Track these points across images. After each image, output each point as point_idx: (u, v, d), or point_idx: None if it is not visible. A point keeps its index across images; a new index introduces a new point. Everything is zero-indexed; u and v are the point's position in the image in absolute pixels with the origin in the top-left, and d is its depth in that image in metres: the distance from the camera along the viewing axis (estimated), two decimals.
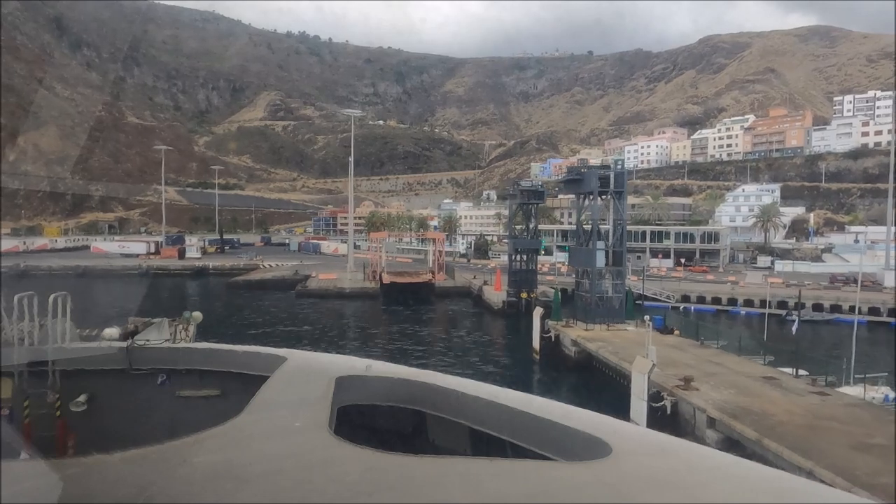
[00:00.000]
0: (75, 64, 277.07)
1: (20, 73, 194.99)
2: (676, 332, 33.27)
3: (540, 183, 61.22)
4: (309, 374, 4.23)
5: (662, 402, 21.95)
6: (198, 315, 8.91)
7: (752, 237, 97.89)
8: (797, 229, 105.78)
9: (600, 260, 35.89)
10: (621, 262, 36.64)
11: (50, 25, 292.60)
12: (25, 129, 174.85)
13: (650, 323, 25.64)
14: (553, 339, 35.26)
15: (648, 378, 21.89)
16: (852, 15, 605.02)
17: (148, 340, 6.54)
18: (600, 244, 36.14)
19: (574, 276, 40.49)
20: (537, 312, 36.08)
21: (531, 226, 54.08)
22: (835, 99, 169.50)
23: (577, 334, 33.85)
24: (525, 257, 52.72)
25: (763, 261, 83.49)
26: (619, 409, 23.27)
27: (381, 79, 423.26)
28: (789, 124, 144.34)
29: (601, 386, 28.22)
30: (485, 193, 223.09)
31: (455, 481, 2.45)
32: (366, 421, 4.16)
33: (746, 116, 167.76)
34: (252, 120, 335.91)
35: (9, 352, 5.70)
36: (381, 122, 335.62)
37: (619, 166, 41.50)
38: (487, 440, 3.56)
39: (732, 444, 19.43)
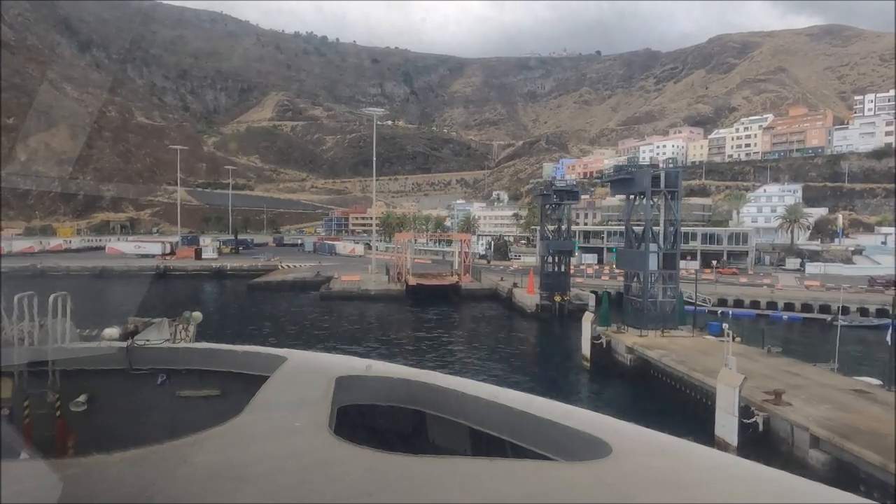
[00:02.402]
0: (84, 64, 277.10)
1: (32, 73, 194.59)
2: (738, 338, 31.61)
3: (574, 182, 59.59)
4: (309, 374, 4.18)
5: (754, 419, 20.41)
6: (198, 315, 8.79)
7: (776, 238, 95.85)
8: (821, 230, 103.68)
9: (653, 263, 34.37)
10: (674, 265, 35.07)
11: (59, 26, 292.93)
12: (37, 130, 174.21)
13: (730, 331, 24.04)
14: (604, 345, 33.75)
15: (739, 392, 20.33)
16: (855, 15, 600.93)
17: (148, 340, 6.48)
18: (653, 246, 34.63)
19: (624, 279, 38.81)
20: (587, 317, 34.51)
21: (563, 226, 52.65)
22: (855, 98, 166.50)
23: (631, 341, 32.29)
24: (557, 259, 51.27)
25: (792, 262, 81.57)
26: (700, 424, 21.76)
27: (387, 79, 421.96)
28: (810, 124, 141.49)
29: (669, 398, 26.60)
30: (495, 193, 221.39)
31: (455, 481, 2.46)
32: (366, 421, 4.12)
33: (765, 116, 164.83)
34: (260, 120, 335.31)
35: (9, 352, 5.66)
36: (389, 123, 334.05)
37: (671, 165, 39.90)
38: (487, 440, 3.52)
39: (842, 467, 17.82)
